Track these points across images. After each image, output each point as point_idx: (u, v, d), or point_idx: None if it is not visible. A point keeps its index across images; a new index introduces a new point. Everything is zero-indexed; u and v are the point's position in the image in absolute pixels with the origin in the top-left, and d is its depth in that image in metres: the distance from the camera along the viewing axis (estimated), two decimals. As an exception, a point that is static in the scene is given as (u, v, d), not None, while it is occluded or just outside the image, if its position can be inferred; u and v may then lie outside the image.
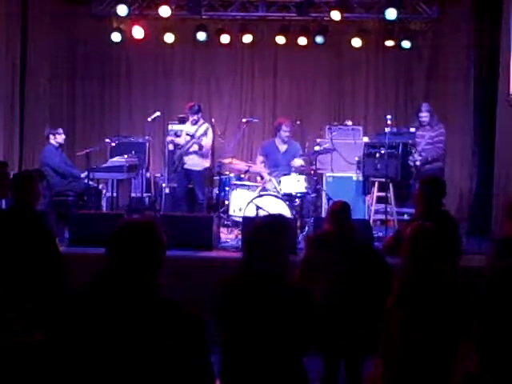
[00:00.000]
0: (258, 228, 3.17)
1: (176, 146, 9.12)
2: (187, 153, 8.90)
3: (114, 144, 9.42)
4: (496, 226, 8.18)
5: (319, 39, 10.82)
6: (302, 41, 10.90)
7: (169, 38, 10.93)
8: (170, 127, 9.96)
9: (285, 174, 8.41)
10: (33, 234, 4.38)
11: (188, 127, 9.02)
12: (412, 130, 9.47)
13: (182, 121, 9.00)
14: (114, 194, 9.17)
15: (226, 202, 8.63)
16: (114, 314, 2.24)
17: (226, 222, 8.49)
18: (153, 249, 2.36)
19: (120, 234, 2.37)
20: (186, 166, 8.91)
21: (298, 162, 8.93)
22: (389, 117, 8.40)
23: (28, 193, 4.60)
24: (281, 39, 10.94)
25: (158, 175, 10.34)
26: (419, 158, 8.48)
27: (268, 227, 3.15)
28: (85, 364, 2.21)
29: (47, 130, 8.86)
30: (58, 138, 8.68)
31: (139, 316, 2.24)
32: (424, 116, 8.69)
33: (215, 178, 9.31)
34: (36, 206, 4.76)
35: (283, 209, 7.74)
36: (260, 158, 9.09)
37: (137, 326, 2.22)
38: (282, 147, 9.04)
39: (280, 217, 3.41)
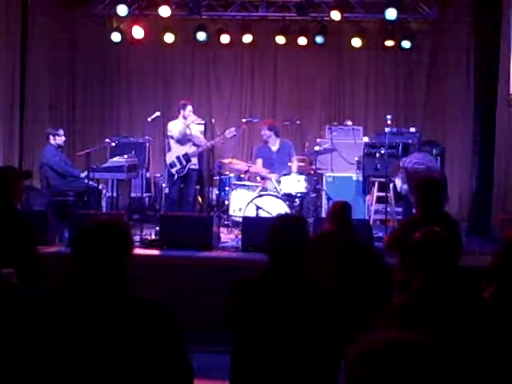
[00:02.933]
0: (280, 226, 3.12)
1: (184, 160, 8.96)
2: (193, 155, 8.90)
3: (114, 144, 9.41)
4: (496, 226, 8.19)
5: (319, 39, 10.82)
6: (302, 41, 10.90)
7: (169, 37, 10.92)
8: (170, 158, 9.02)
9: (285, 174, 8.42)
10: (10, 233, 4.30)
11: (180, 127, 8.95)
12: (412, 129, 9.49)
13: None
14: (114, 194, 9.17)
15: (226, 202, 8.64)
16: (85, 315, 2.21)
17: (226, 222, 8.49)
18: (118, 247, 2.32)
19: (84, 234, 2.34)
20: (191, 167, 8.89)
21: (295, 165, 8.92)
22: (389, 117, 8.40)
23: (8, 189, 4.52)
24: (281, 39, 10.94)
25: (158, 175, 10.34)
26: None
27: (290, 224, 3.12)
28: (58, 366, 2.18)
29: (47, 130, 8.86)
30: (58, 140, 8.67)
31: (109, 316, 2.22)
32: None
33: (215, 178, 9.31)
34: (17, 203, 4.68)
35: (283, 209, 7.74)
36: (260, 161, 9.05)
37: (108, 326, 2.20)
38: (274, 147, 9.05)
39: (297, 215, 3.39)
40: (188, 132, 8.91)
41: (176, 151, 8.88)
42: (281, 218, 3.37)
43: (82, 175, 8.49)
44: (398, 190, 8.25)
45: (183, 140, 8.86)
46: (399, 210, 8.59)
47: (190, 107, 8.90)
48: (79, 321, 2.21)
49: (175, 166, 8.82)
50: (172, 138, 8.93)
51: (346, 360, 1.57)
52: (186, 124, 8.85)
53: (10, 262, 3.97)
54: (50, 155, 8.57)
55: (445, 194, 7.33)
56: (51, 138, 8.66)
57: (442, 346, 2.80)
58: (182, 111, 8.89)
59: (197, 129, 9.26)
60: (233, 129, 8.88)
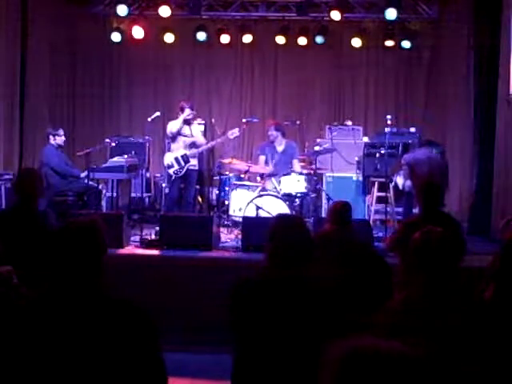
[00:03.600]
0: (282, 227, 3.12)
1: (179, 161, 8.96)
2: (193, 156, 8.90)
3: (114, 144, 9.42)
4: (496, 227, 8.19)
5: (319, 39, 10.82)
6: (302, 41, 10.90)
7: (169, 38, 10.93)
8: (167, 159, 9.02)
9: (285, 174, 8.42)
10: (36, 236, 4.35)
11: (182, 128, 8.94)
12: (412, 129, 9.49)
13: (188, 123, 8.97)
14: (114, 194, 9.17)
15: (226, 202, 8.64)
16: (62, 318, 2.23)
17: (225, 222, 8.48)
18: (93, 249, 2.35)
19: (59, 238, 2.38)
20: (189, 167, 8.89)
21: (297, 166, 8.93)
22: (389, 117, 8.40)
23: (33, 189, 4.59)
24: (281, 39, 10.94)
25: (158, 175, 10.34)
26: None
27: (292, 224, 3.12)
28: (35, 369, 2.20)
29: (47, 130, 8.86)
30: (58, 140, 8.68)
31: (85, 318, 2.23)
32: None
33: (215, 178, 9.31)
34: (37, 204, 4.74)
35: (283, 209, 7.74)
36: (262, 158, 9.07)
37: (84, 328, 2.22)
38: (280, 147, 9.05)
39: (297, 215, 3.40)
40: (188, 132, 8.89)
41: (175, 152, 8.87)
42: (281, 217, 3.36)
43: (82, 175, 8.49)
44: (401, 187, 8.23)
45: (177, 139, 8.84)
46: (399, 210, 8.60)
47: (188, 111, 8.84)
48: (52, 321, 2.23)
49: (173, 166, 8.81)
50: (167, 137, 8.97)
51: (325, 362, 1.55)
52: (181, 123, 8.83)
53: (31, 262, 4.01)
54: (50, 155, 8.57)
55: (446, 180, 7.37)
56: (51, 137, 8.67)
57: (440, 346, 2.81)
58: (180, 113, 8.91)
59: (197, 129, 9.25)
60: (236, 130, 8.86)
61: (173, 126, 8.85)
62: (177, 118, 9.05)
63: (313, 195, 8.65)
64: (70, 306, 2.25)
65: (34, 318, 2.25)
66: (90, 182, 8.38)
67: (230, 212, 8.46)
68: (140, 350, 2.24)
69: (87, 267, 2.31)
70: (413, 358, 1.50)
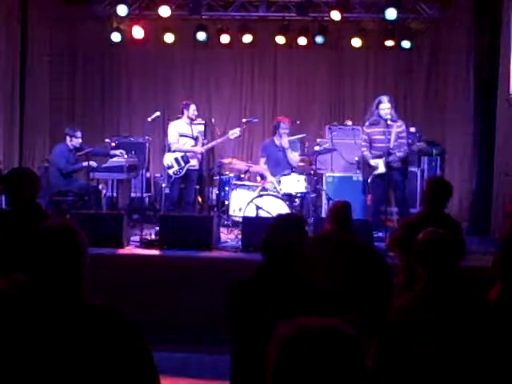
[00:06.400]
0: (278, 226, 3.13)
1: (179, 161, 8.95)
2: (193, 156, 8.88)
3: (114, 144, 9.42)
4: (496, 226, 8.19)
5: (319, 39, 10.82)
6: (302, 41, 10.91)
7: (169, 38, 10.93)
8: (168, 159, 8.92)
9: (285, 174, 8.42)
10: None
11: (184, 129, 8.94)
12: (412, 129, 9.48)
13: (191, 121, 8.96)
14: (114, 194, 9.17)
15: (226, 202, 8.64)
16: (41, 329, 2.11)
17: (226, 222, 8.49)
18: (71, 254, 2.21)
19: (35, 243, 2.23)
20: (189, 167, 8.87)
21: (296, 156, 8.92)
22: (389, 117, 8.39)
23: (36, 191, 4.57)
24: (281, 39, 10.94)
25: (158, 175, 10.34)
26: (398, 154, 8.01)
27: (288, 224, 3.13)
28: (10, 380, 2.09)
29: (66, 130, 8.92)
30: (74, 142, 8.75)
31: (61, 324, 2.12)
32: (386, 108, 7.99)
33: (215, 178, 9.31)
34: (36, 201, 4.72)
35: (283, 209, 7.74)
36: (263, 160, 9.05)
37: (60, 334, 2.11)
38: (283, 145, 9.03)
39: (297, 215, 3.39)
40: (190, 133, 8.89)
41: (176, 152, 8.86)
42: (279, 217, 3.37)
43: (84, 164, 8.49)
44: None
45: (179, 140, 8.84)
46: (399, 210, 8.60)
47: (193, 106, 8.88)
48: (31, 330, 2.12)
49: (172, 167, 8.79)
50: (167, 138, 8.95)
51: (272, 341, 1.59)
52: (187, 122, 8.84)
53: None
54: (60, 156, 8.65)
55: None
56: (68, 138, 8.74)
57: (446, 347, 2.81)
58: (185, 111, 8.87)
59: (198, 129, 9.25)
60: (237, 129, 8.83)
61: (179, 127, 8.83)
62: (177, 118, 9.05)
63: (313, 195, 8.66)
64: (44, 313, 2.14)
65: (7, 327, 2.14)
66: (90, 182, 8.40)
67: (230, 212, 8.46)
68: (126, 358, 2.13)
69: (59, 272, 2.18)
70: (350, 335, 1.53)
